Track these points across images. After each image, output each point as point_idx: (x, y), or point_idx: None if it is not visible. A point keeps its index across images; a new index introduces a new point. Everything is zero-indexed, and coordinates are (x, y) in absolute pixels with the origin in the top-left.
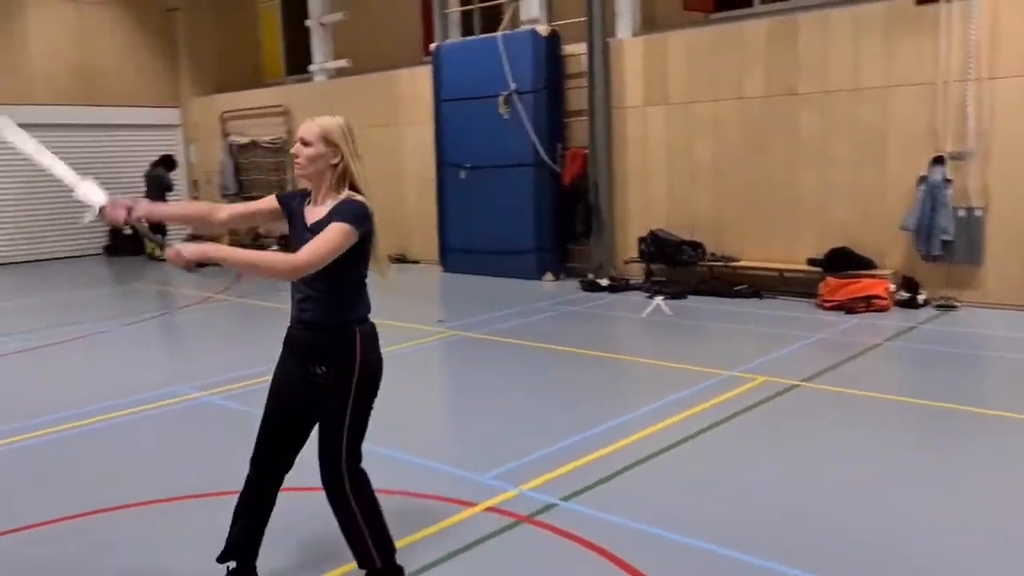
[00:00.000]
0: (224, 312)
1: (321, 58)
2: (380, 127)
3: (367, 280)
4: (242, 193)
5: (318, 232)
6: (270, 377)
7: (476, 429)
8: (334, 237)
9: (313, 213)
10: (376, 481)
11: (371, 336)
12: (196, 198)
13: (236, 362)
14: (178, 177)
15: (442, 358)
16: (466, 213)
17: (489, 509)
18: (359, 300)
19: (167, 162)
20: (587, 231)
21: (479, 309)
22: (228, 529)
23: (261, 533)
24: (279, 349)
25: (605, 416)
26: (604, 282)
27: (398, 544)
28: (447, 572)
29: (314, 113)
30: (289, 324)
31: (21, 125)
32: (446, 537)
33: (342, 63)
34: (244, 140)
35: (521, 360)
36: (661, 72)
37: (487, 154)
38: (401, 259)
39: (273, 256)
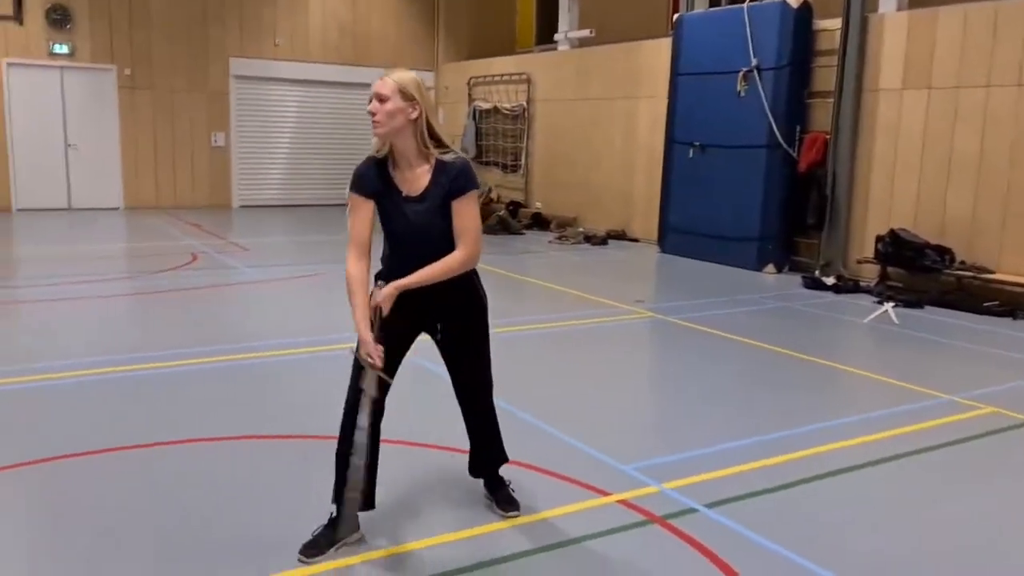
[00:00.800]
0: None
1: (566, 27)
2: (616, 100)
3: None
4: (480, 157)
5: (426, 201)
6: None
7: (636, 416)
8: (473, 210)
9: (409, 182)
10: (517, 454)
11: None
12: None
13: None
14: None
15: (629, 339)
16: (690, 193)
17: (622, 502)
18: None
19: None
20: (819, 223)
21: (686, 294)
22: (338, 476)
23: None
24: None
25: (786, 423)
26: (830, 281)
27: (519, 521)
28: (552, 561)
29: (554, 81)
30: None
31: (296, 81)
32: (567, 523)
33: (586, 32)
34: (487, 106)
35: (714, 351)
36: (926, 52)
37: (718, 133)
38: (620, 236)
39: (447, 262)
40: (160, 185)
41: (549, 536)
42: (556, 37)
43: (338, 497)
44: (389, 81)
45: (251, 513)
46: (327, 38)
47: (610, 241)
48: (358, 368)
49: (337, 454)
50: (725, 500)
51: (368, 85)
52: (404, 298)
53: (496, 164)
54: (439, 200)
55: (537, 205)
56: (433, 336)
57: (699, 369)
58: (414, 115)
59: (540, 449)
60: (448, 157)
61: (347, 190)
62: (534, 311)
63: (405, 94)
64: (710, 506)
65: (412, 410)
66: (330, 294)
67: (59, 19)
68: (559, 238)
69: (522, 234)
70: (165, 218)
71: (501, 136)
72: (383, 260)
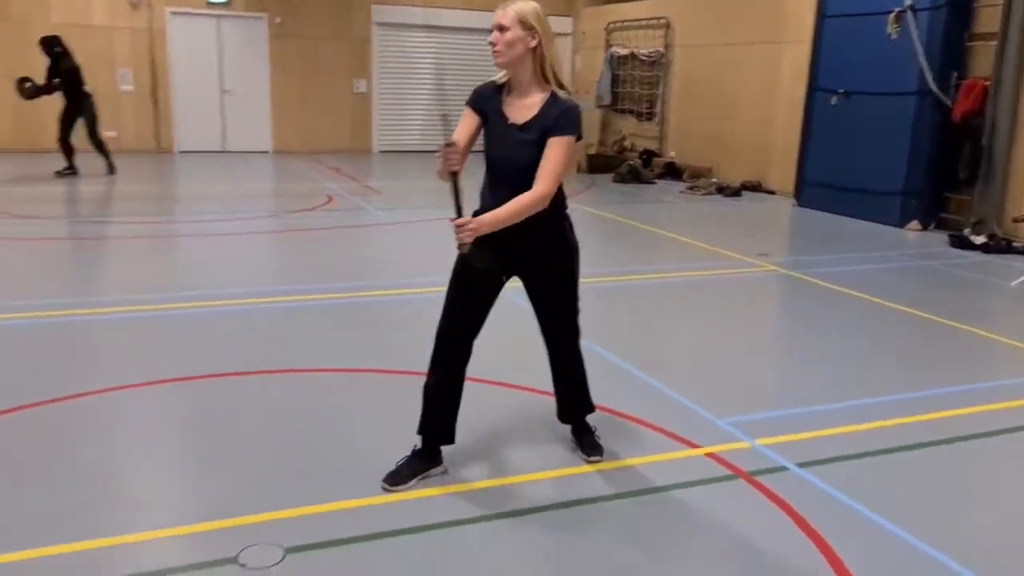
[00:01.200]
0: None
1: None
2: (757, 44)
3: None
4: (615, 105)
5: (528, 132)
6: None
7: (741, 371)
8: (563, 154)
9: (517, 109)
10: (612, 400)
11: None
12: None
13: None
14: None
15: (746, 292)
16: (831, 144)
17: (710, 455)
18: (562, 193)
19: None
20: (972, 178)
21: (816, 249)
22: (425, 410)
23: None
24: (584, 257)
25: (903, 386)
26: (980, 240)
27: (603, 466)
28: (632, 507)
29: (693, 26)
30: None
31: (435, 27)
32: (651, 471)
33: None
34: (624, 52)
35: (836, 309)
36: None
37: (864, 79)
38: (755, 187)
39: (521, 200)
40: (305, 130)
41: (631, 483)
42: None
43: (423, 429)
44: (510, 11)
45: (356, 439)
46: None
47: (744, 193)
48: (451, 310)
49: (424, 387)
50: (820, 461)
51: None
52: (488, 240)
53: (631, 112)
54: (538, 133)
55: (671, 154)
56: (522, 280)
57: (816, 327)
58: (533, 44)
59: (635, 398)
60: (563, 95)
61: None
62: (651, 260)
63: (525, 23)
64: (803, 466)
65: (504, 350)
66: (449, 237)
67: None
68: (690, 188)
69: (653, 183)
70: (308, 161)
71: (637, 83)
72: (481, 195)
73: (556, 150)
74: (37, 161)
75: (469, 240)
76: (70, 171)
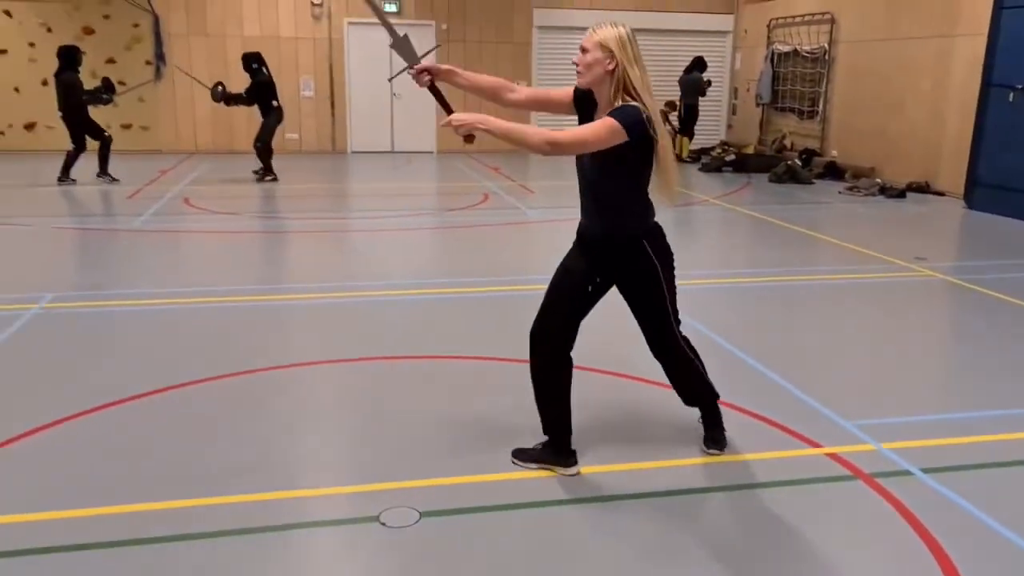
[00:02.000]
0: (711, 215)
1: None
2: (929, 39)
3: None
4: (775, 103)
5: None
6: (703, 281)
7: (878, 374)
8: (598, 128)
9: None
10: (740, 399)
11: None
12: (735, 106)
13: (685, 262)
14: (720, 84)
15: (895, 296)
16: (1008, 144)
17: (831, 455)
18: (640, 211)
19: (701, 64)
20: None
21: (984, 254)
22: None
23: None
24: (730, 257)
25: None
26: None
27: (720, 459)
28: (743, 499)
29: (860, 21)
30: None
31: (585, 29)
32: (768, 466)
33: None
34: (786, 48)
35: (993, 318)
36: None
37: None
38: (922, 189)
39: (532, 128)
40: None
41: (746, 476)
42: None
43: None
44: (594, 36)
45: (493, 420)
46: None
47: (909, 195)
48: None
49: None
50: (947, 468)
51: (665, 31)
52: (577, 244)
53: (792, 110)
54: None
55: (833, 153)
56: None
57: (969, 335)
58: (611, 67)
59: (763, 396)
60: (624, 102)
61: None
62: (797, 262)
63: (604, 48)
64: (928, 471)
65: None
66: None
67: None
68: (850, 189)
69: (811, 183)
70: (469, 161)
71: (799, 80)
72: None
73: (595, 123)
74: (231, 162)
75: (465, 132)
76: (271, 178)
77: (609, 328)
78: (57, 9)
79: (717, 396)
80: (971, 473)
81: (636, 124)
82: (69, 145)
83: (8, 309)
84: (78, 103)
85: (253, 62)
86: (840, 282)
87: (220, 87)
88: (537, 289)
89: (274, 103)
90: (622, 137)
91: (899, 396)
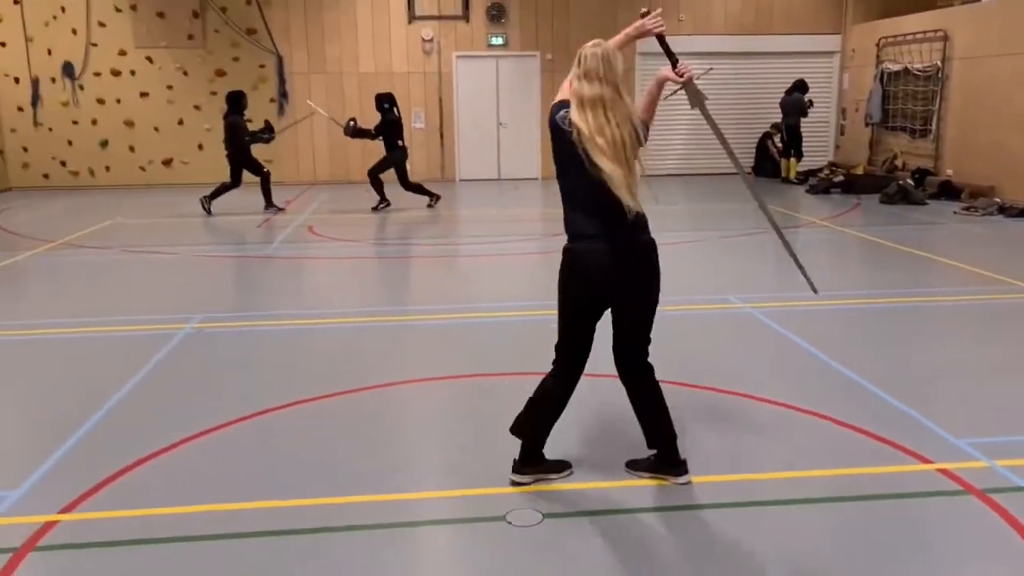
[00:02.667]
0: (819, 237)
1: None
2: None
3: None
4: (885, 122)
5: None
6: (813, 304)
7: (991, 394)
8: None
9: None
10: (849, 416)
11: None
12: (843, 127)
13: (793, 284)
14: (827, 105)
15: (1014, 318)
16: None
17: (942, 471)
18: (568, 219)
19: (803, 86)
20: None
21: None
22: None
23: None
24: (839, 279)
25: None
26: None
27: (824, 473)
28: (858, 510)
29: (975, 37)
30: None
31: (698, 53)
32: (876, 480)
33: None
34: (896, 67)
35: None
36: None
37: None
38: None
39: None
40: None
41: (854, 488)
42: None
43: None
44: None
45: (604, 432)
46: (729, 10)
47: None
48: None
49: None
50: None
51: (771, 54)
52: None
53: (903, 129)
54: None
55: (948, 173)
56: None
57: None
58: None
59: (870, 413)
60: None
61: None
62: (907, 283)
63: None
64: None
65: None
66: (701, 258)
67: (496, 15)
68: (966, 208)
69: (925, 204)
70: None
71: (910, 99)
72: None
73: None
74: (347, 192)
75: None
76: (384, 204)
77: (719, 345)
78: (192, 54)
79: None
80: None
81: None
82: (226, 178)
83: (164, 328)
84: (242, 143)
85: (385, 102)
86: (955, 304)
87: (352, 122)
88: None
89: (399, 142)
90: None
91: (1015, 416)
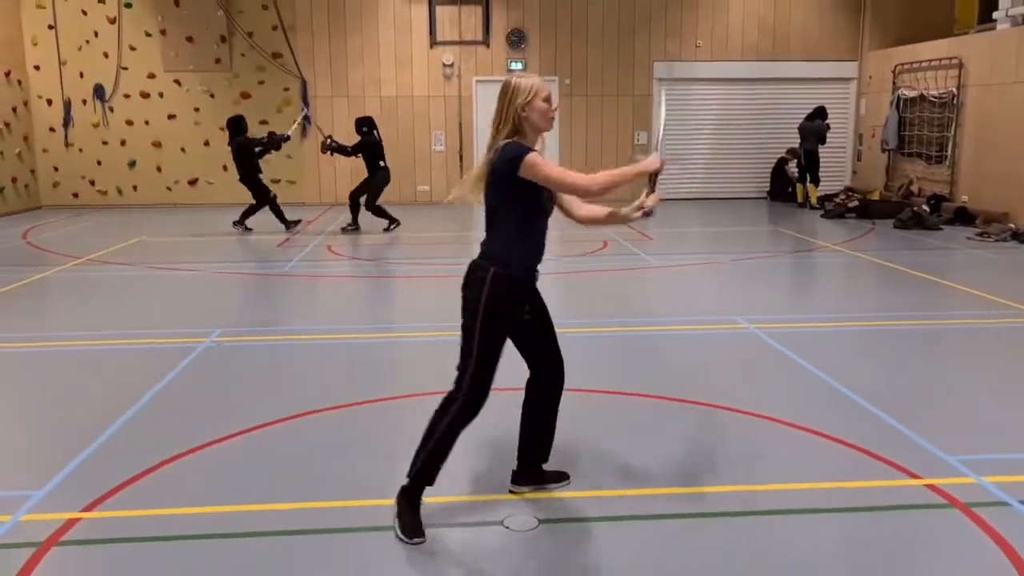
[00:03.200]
0: (831, 261)
1: (1008, 3)
2: None
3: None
4: (901, 148)
5: None
6: (819, 326)
7: (988, 415)
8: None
9: None
10: (845, 433)
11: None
12: (860, 152)
13: (800, 306)
14: (844, 130)
15: (1018, 341)
16: None
17: (930, 486)
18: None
19: (823, 113)
20: None
21: None
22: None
23: None
24: (847, 302)
25: None
26: None
27: (824, 485)
28: (846, 521)
29: (989, 64)
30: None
31: (715, 79)
32: (865, 493)
33: None
34: (912, 94)
35: None
36: None
37: None
38: None
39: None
40: None
41: (843, 501)
42: (995, 15)
43: None
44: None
45: (603, 445)
46: (746, 36)
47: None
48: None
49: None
50: None
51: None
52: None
53: (919, 155)
54: None
55: (963, 199)
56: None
57: None
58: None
59: (867, 431)
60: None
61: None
62: (915, 306)
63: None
64: None
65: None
66: (713, 280)
67: (516, 40)
68: (979, 234)
69: (940, 230)
70: None
71: (926, 125)
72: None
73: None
74: (367, 214)
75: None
76: (353, 227)
77: (721, 364)
78: (219, 77)
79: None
80: None
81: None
82: (250, 199)
83: (185, 342)
84: (251, 166)
85: (363, 126)
86: (961, 327)
87: (328, 139)
88: (651, 331)
89: (381, 163)
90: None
91: (1007, 435)
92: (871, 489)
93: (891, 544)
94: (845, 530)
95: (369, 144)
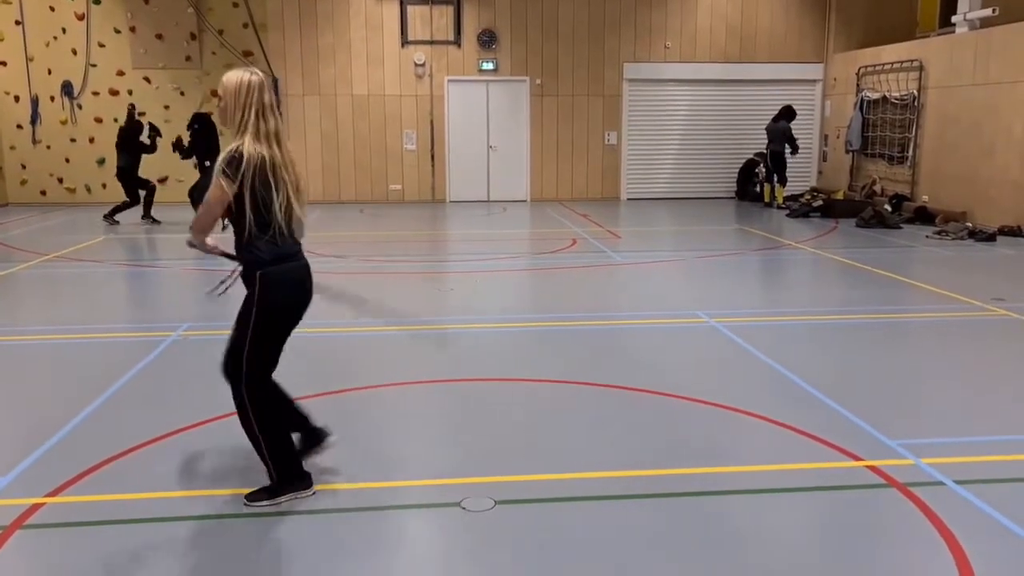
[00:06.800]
0: (794, 258)
1: (965, 7)
2: (1019, 83)
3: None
4: (865, 149)
5: None
6: (777, 320)
7: (930, 400)
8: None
9: None
10: (793, 419)
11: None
12: (825, 153)
13: (761, 301)
14: (810, 131)
15: (966, 334)
16: None
17: (871, 467)
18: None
19: (790, 113)
20: None
21: None
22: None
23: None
24: (806, 297)
25: None
26: None
27: (772, 467)
28: (786, 501)
29: (948, 67)
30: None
31: (684, 80)
32: (807, 474)
33: (988, 12)
34: (875, 95)
35: None
36: None
37: None
38: (1015, 232)
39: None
40: (559, 180)
41: (785, 481)
42: (954, 19)
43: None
44: (222, 80)
45: (564, 432)
46: (715, 38)
47: (1000, 239)
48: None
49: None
50: (980, 480)
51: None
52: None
53: (882, 156)
54: None
55: (923, 199)
56: None
57: None
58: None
59: (814, 418)
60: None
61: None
62: (870, 301)
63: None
64: (961, 483)
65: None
66: (677, 276)
67: (487, 40)
68: (938, 233)
69: (899, 228)
70: (560, 209)
71: (888, 126)
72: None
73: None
74: (340, 211)
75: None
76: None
77: (680, 356)
78: (188, 75)
79: (277, 479)
80: (1004, 486)
81: (231, 165)
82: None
83: (152, 336)
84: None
85: (194, 123)
86: (914, 320)
87: (178, 139)
88: (611, 324)
89: (207, 163)
90: (229, 187)
91: (949, 420)
92: (816, 470)
93: (831, 520)
94: (790, 509)
95: (198, 143)
